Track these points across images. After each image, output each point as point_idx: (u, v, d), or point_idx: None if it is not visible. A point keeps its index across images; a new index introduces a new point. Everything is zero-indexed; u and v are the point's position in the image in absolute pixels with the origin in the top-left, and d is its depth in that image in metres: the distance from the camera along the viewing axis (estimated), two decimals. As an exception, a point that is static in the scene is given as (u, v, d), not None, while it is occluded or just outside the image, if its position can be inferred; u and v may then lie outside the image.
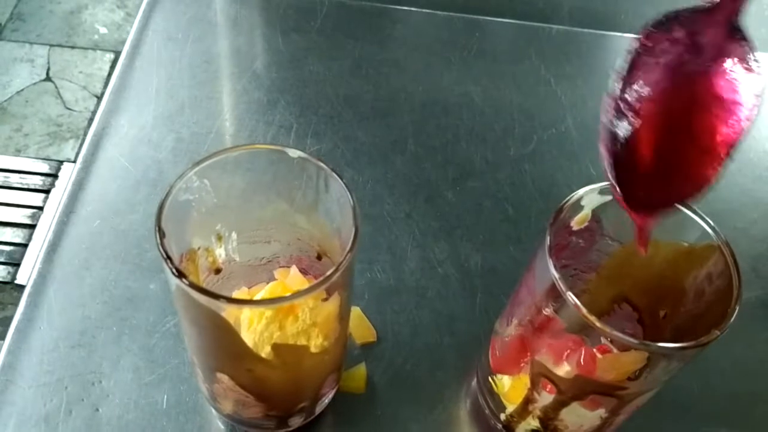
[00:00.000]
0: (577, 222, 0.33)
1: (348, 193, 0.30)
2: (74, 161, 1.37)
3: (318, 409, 0.37)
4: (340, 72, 0.57)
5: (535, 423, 0.35)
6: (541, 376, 0.33)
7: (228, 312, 0.29)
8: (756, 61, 0.26)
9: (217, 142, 0.51)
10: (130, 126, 0.51)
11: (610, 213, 0.32)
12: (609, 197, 0.32)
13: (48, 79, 1.50)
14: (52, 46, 1.56)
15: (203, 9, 0.59)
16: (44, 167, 1.35)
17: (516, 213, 0.49)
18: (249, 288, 0.37)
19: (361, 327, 0.42)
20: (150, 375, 0.39)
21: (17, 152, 1.37)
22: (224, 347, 0.30)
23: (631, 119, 0.27)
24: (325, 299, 0.31)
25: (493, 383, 0.37)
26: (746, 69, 0.26)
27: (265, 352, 0.31)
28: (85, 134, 1.40)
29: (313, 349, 0.31)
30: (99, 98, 1.48)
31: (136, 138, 0.50)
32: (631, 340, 0.28)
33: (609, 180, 0.28)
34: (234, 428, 0.38)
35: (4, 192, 1.30)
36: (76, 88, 1.49)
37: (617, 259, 0.35)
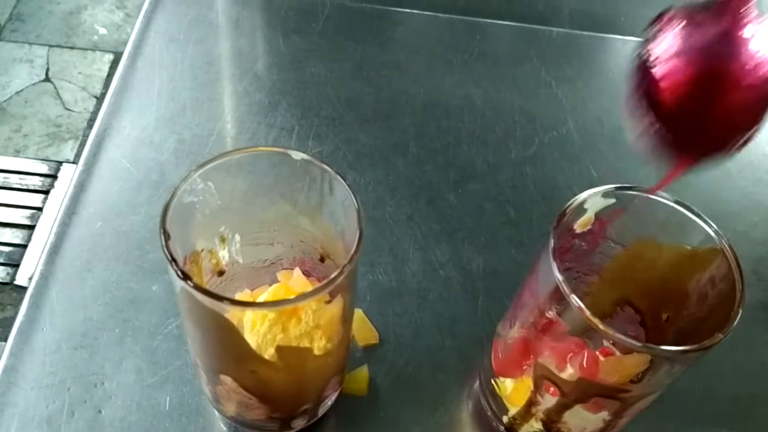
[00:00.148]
0: (580, 225, 0.33)
1: (352, 196, 0.30)
2: (73, 162, 1.37)
3: (321, 412, 0.37)
4: (341, 74, 0.57)
5: (537, 425, 0.35)
6: (544, 379, 0.33)
7: (231, 314, 0.29)
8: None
9: (219, 144, 0.51)
10: (131, 127, 0.51)
11: (613, 216, 0.33)
12: (612, 200, 0.32)
13: (47, 79, 1.50)
14: (51, 46, 1.56)
15: (205, 10, 0.59)
16: (43, 168, 1.35)
17: (517, 215, 0.49)
18: (252, 290, 0.37)
19: (363, 329, 0.42)
20: (152, 377, 0.39)
21: (16, 153, 1.37)
22: (228, 349, 0.30)
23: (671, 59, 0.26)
24: (329, 301, 0.31)
25: (495, 386, 0.37)
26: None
27: (268, 354, 0.31)
28: (85, 135, 1.40)
29: (316, 352, 0.31)
30: (98, 99, 1.48)
31: (138, 139, 0.50)
32: (635, 342, 0.28)
33: (644, 119, 0.27)
34: (237, 430, 0.38)
35: (3, 193, 1.30)
36: (76, 88, 1.49)
37: (620, 262, 0.35)
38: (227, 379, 0.32)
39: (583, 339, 0.32)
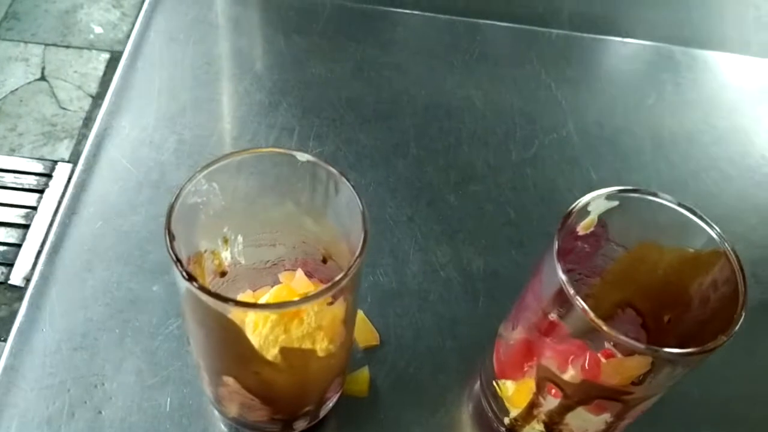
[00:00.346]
0: (583, 227, 0.33)
1: (357, 197, 0.30)
2: (68, 161, 1.36)
3: (322, 413, 0.37)
4: (342, 74, 0.57)
5: (539, 427, 0.35)
6: (546, 381, 0.33)
7: (234, 315, 0.28)
8: None
9: (220, 144, 0.51)
10: (131, 127, 0.50)
11: (615, 218, 0.33)
12: (615, 203, 0.32)
13: (43, 78, 1.49)
14: (46, 45, 1.55)
15: (205, 10, 0.59)
16: (38, 167, 1.34)
17: (518, 217, 0.49)
18: (254, 291, 0.37)
19: (364, 330, 0.42)
20: (153, 378, 0.39)
21: (11, 152, 1.36)
22: (232, 350, 0.30)
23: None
24: (331, 303, 0.31)
25: (496, 387, 0.37)
26: None
27: (270, 355, 0.31)
28: (80, 134, 1.40)
29: (319, 353, 0.31)
30: (94, 98, 1.47)
31: (138, 139, 0.50)
32: (638, 344, 0.28)
33: None
34: (238, 431, 0.38)
35: (-2, 191, 1.30)
36: (71, 87, 1.49)
37: (622, 265, 0.35)
38: (230, 381, 0.32)
39: (584, 341, 0.32)
